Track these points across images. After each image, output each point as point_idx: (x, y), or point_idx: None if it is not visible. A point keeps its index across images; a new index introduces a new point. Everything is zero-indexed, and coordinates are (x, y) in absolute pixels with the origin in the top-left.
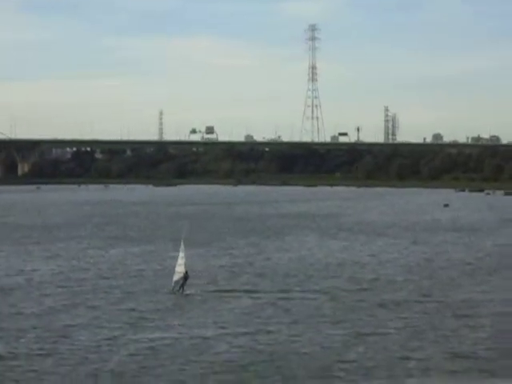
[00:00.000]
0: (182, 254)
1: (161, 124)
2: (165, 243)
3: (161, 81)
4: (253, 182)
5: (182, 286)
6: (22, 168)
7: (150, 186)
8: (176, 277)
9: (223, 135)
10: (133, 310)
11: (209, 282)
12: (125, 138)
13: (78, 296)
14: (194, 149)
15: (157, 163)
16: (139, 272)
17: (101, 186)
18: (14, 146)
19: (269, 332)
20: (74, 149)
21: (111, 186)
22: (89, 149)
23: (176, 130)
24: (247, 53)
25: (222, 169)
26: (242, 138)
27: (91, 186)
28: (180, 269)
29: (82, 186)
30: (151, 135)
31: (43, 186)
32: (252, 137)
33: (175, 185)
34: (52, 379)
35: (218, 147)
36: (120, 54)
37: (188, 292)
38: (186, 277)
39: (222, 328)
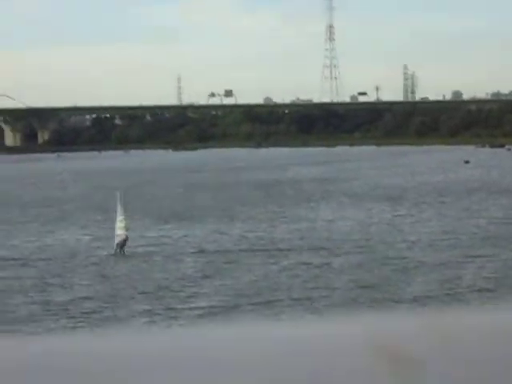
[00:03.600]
0: (120, 218)
1: (179, 88)
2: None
3: (177, 44)
4: (273, 145)
5: (122, 247)
6: (42, 136)
7: (170, 151)
8: (117, 239)
9: (242, 98)
10: None
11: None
12: (144, 103)
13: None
14: (213, 112)
15: (176, 128)
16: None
17: (121, 153)
18: (33, 115)
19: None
20: (94, 116)
21: (131, 151)
22: (108, 115)
23: (195, 94)
24: (264, 13)
25: (242, 132)
26: (260, 101)
27: (112, 153)
28: (120, 232)
29: (103, 153)
30: (170, 100)
31: (63, 154)
32: (271, 99)
33: (195, 149)
34: None
35: (238, 110)
36: (137, 20)
37: (127, 253)
38: (125, 239)
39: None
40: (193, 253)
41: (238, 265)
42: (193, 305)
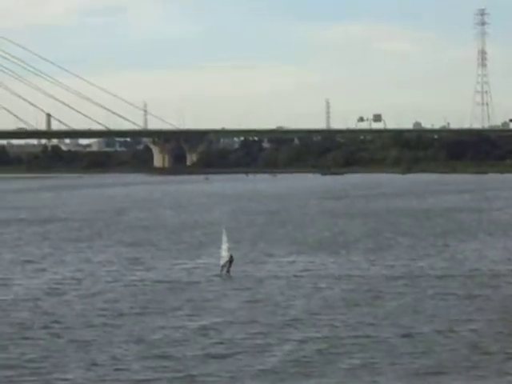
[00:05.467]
0: (225, 239)
1: (328, 112)
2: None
3: (328, 68)
4: (421, 170)
5: (228, 269)
6: (191, 158)
7: (318, 175)
8: (222, 261)
9: (391, 123)
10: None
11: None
12: (292, 126)
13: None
14: (362, 137)
15: (324, 152)
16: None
17: (268, 176)
18: (183, 137)
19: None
20: (242, 138)
21: (279, 175)
22: (256, 138)
23: (343, 118)
24: (415, 38)
25: (390, 157)
26: (410, 126)
27: (259, 176)
28: (225, 254)
29: (250, 176)
30: (319, 124)
31: (211, 176)
32: (420, 124)
33: (342, 173)
34: None
35: (386, 135)
36: (284, 42)
37: (233, 274)
38: (231, 260)
39: None
40: (337, 280)
41: (383, 293)
42: (342, 334)
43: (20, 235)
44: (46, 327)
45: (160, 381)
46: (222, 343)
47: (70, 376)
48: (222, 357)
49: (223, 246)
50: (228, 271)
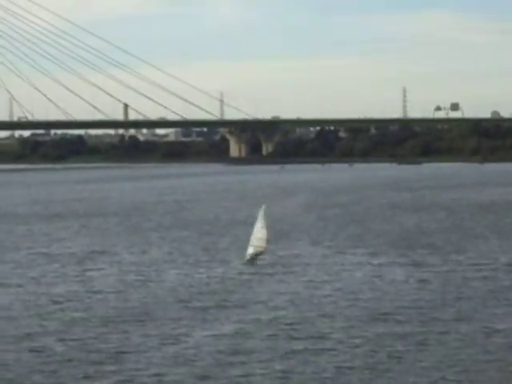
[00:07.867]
0: (259, 225)
1: (405, 101)
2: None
3: (404, 58)
4: (499, 160)
5: (254, 257)
6: (266, 148)
7: (394, 165)
8: (252, 250)
9: (469, 112)
10: None
11: None
12: (368, 116)
13: None
14: (439, 126)
15: (401, 141)
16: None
17: (344, 166)
18: (259, 127)
19: None
20: (318, 128)
21: (355, 164)
22: (333, 128)
23: (420, 108)
24: (492, 27)
25: (468, 146)
26: (488, 115)
27: (335, 166)
28: (257, 243)
29: (326, 166)
30: (395, 113)
31: (287, 166)
32: (498, 113)
33: (419, 163)
34: None
35: (464, 124)
36: (360, 32)
37: (259, 262)
38: (261, 252)
39: None
40: (413, 276)
41: (462, 289)
42: (422, 330)
43: (100, 225)
44: (125, 321)
45: (236, 377)
46: (303, 338)
47: (156, 371)
48: (303, 352)
49: (257, 234)
50: (254, 259)
